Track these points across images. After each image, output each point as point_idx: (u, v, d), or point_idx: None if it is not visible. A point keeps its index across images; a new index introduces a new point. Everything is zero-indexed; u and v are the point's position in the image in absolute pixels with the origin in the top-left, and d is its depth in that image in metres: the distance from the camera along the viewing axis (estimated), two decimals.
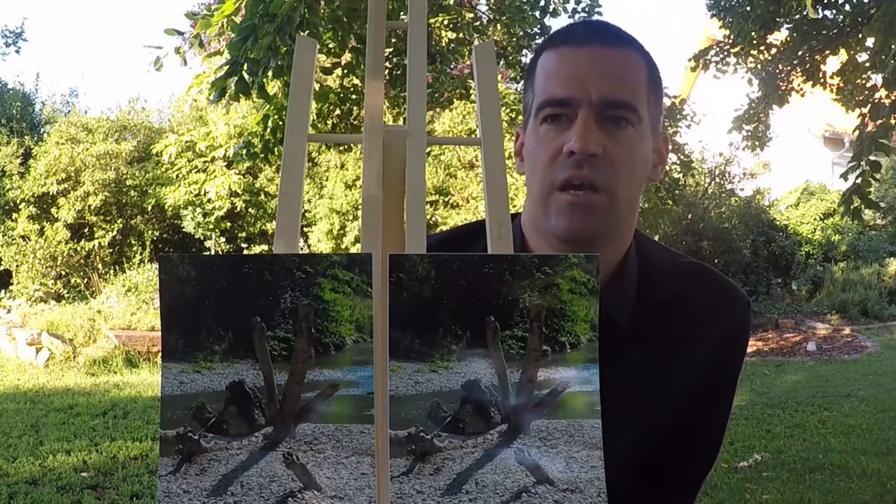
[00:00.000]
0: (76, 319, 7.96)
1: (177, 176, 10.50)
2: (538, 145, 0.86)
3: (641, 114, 0.85)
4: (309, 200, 10.63)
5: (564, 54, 0.86)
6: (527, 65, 0.97)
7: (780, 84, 5.77)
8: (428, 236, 0.68)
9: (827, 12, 5.36)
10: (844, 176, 4.02)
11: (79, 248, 10.31)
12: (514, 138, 0.96)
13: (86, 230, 10.62)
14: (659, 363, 0.91)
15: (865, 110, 4.63)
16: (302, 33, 3.09)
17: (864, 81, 5.26)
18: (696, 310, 0.92)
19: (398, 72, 4.80)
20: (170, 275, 0.50)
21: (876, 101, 4.51)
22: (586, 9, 5.23)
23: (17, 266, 9.93)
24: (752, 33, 5.41)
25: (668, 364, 0.91)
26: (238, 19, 3.22)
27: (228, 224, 10.94)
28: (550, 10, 5.31)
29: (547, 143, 0.85)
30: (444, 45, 5.50)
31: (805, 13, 5.12)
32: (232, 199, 10.64)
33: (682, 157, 7.50)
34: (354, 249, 9.23)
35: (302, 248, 3.39)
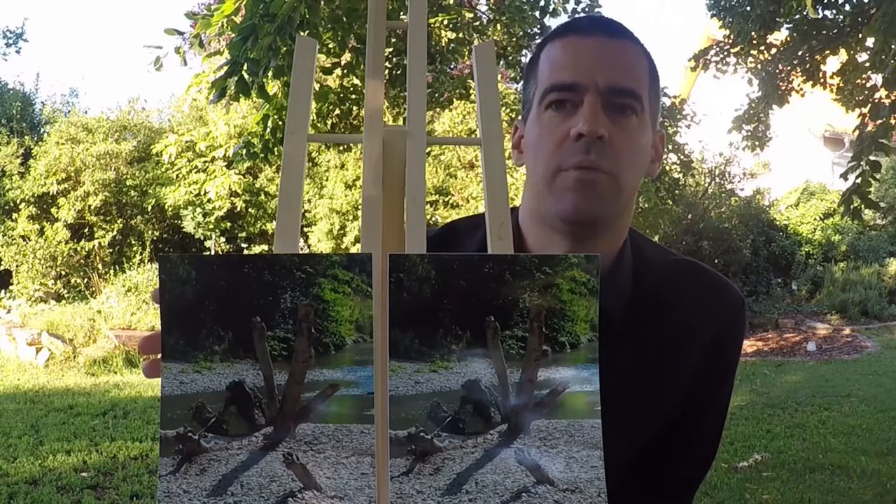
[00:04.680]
0: (76, 319, 7.96)
1: (177, 176, 10.50)
2: (542, 132, 0.86)
3: (644, 104, 0.86)
4: (309, 200, 10.63)
5: (571, 43, 0.87)
6: (526, 65, 0.97)
7: (780, 84, 5.77)
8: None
9: (827, 12, 5.36)
10: (844, 176, 4.02)
11: (79, 248, 10.31)
12: (510, 132, 0.96)
13: (86, 230, 10.62)
14: (653, 359, 0.90)
15: (865, 110, 4.63)
16: (302, 33, 3.09)
17: (864, 81, 5.26)
18: (689, 306, 0.92)
19: (398, 72, 4.80)
20: (170, 275, 0.50)
21: (876, 101, 4.52)
22: (586, 9, 5.23)
23: (17, 266, 9.93)
24: (752, 33, 5.41)
25: (662, 360, 0.91)
26: (238, 19, 3.23)
27: (228, 224, 10.94)
28: (550, 9, 5.31)
29: (552, 129, 0.85)
30: (444, 45, 5.49)
31: (805, 13, 5.12)
32: (232, 199, 10.64)
33: (682, 157, 7.50)
34: (354, 249, 9.23)
35: (302, 248, 3.38)
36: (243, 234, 11.21)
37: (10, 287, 9.95)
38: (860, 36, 5.07)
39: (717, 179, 10.71)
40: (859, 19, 5.05)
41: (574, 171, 0.84)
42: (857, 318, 10.03)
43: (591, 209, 0.84)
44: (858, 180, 3.92)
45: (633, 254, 0.93)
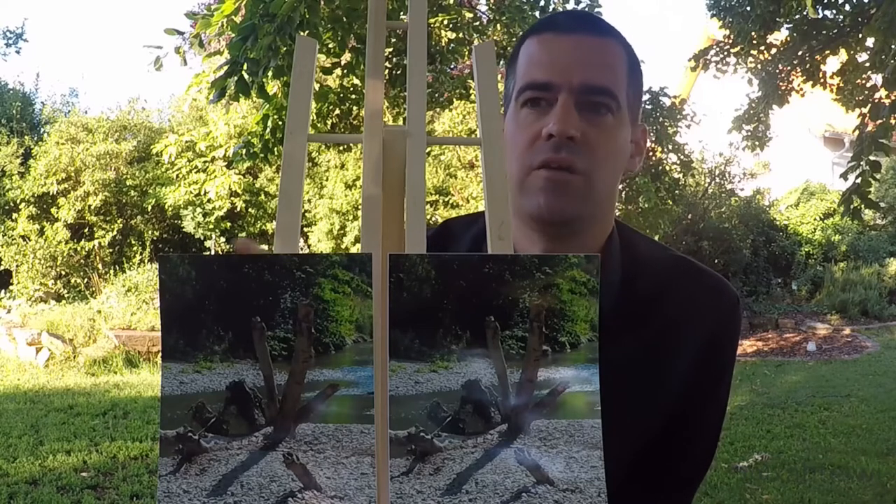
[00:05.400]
0: (76, 319, 7.96)
1: (177, 176, 10.50)
2: (517, 129, 0.87)
3: (621, 102, 0.86)
4: (309, 200, 10.63)
5: (547, 40, 0.87)
6: (507, 60, 0.97)
7: (780, 84, 5.77)
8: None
9: (827, 12, 5.36)
10: (844, 176, 4.02)
11: (79, 248, 10.31)
12: None
13: (86, 230, 10.62)
14: (650, 358, 0.89)
15: (865, 110, 4.63)
16: (302, 33, 3.09)
17: (864, 81, 5.26)
18: (683, 304, 0.91)
19: (398, 72, 4.80)
20: (170, 275, 0.50)
21: (876, 101, 4.52)
22: (586, 8, 5.22)
23: (17, 266, 9.93)
24: (752, 33, 5.42)
25: (659, 359, 0.90)
26: (238, 19, 3.23)
27: (228, 224, 10.94)
28: (550, 9, 5.30)
29: (526, 127, 0.85)
30: (444, 45, 5.49)
31: (805, 13, 5.13)
32: (232, 199, 10.64)
33: (682, 157, 7.50)
34: (354, 249, 9.23)
35: (302, 248, 3.38)
36: (243, 234, 11.21)
37: (10, 287, 9.94)
38: (860, 36, 5.07)
39: (717, 179, 10.71)
40: (859, 19, 5.05)
41: (544, 171, 0.83)
42: (857, 318, 10.03)
43: (561, 209, 0.84)
44: (858, 180, 3.92)
45: (623, 252, 0.92)
